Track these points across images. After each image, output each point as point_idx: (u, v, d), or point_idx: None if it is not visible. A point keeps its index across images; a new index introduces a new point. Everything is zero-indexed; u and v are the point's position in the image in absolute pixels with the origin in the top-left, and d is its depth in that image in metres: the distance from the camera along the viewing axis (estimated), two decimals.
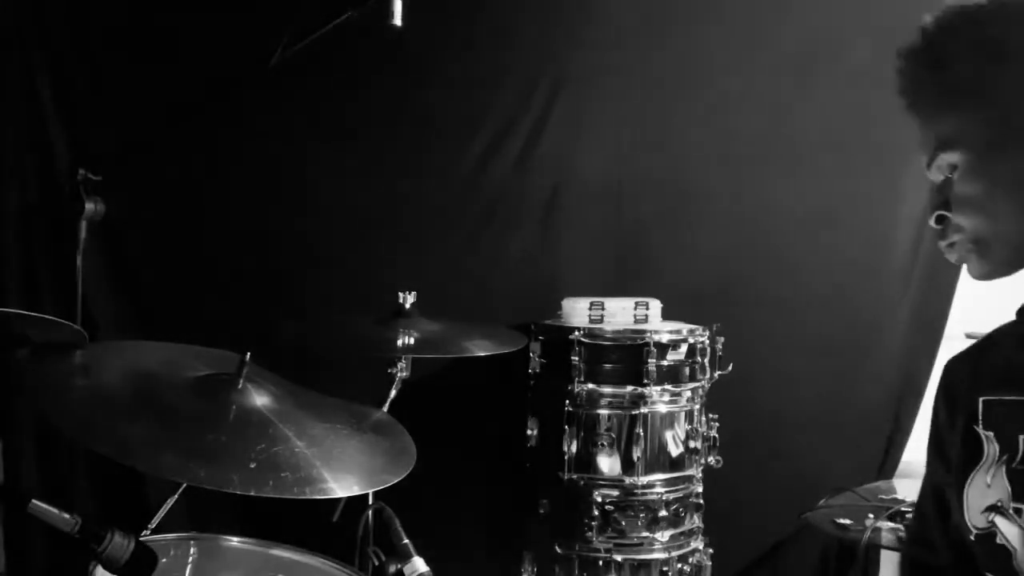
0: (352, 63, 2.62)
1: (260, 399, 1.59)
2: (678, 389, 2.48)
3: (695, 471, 2.51)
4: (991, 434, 1.08)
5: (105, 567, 1.19)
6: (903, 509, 2.36)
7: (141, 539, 1.21)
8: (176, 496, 1.78)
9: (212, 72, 2.56)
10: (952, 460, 1.14)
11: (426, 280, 2.46)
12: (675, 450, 2.48)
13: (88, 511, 1.77)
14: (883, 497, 2.57)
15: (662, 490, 2.43)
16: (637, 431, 2.41)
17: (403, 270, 2.70)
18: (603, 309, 2.55)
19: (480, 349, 2.21)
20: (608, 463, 2.43)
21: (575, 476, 2.42)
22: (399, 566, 1.68)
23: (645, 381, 2.41)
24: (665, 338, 2.45)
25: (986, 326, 1.18)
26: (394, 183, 2.74)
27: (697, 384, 2.53)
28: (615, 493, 2.41)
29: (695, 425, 2.50)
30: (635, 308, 2.58)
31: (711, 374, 2.56)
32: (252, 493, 1.36)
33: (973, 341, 1.20)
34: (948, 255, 1.13)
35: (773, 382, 2.89)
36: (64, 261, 2.36)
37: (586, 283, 2.75)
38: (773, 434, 2.91)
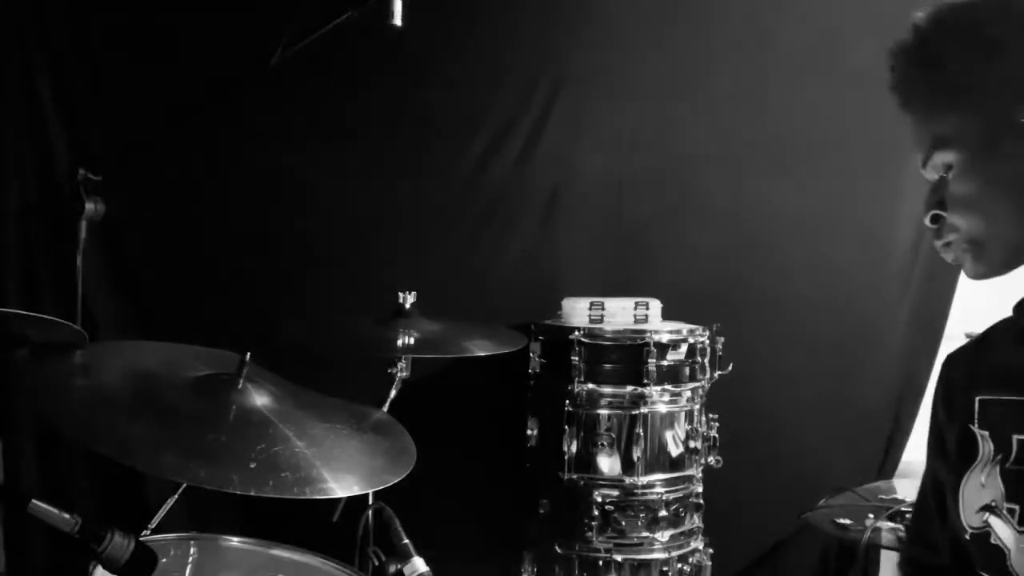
0: (352, 63, 2.62)
1: (260, 399, 1.58)
2: (678, 389, 2.48)
3: (695, 471, 2.51)
4: (986, 433, 1.08)
5: (105, 567, 1.19)
6: (903, 509, 2.36)
7: (141, 539, 1.21)
8: (176, 496, 1.78)
9: (212, 72, 2.56)
10: (951, 457, 1.14)
11: (426, 280, 2.46)
12: (675, 450, 2.48)
13: (88, 511, 1.77)
14: (883, 497, 2.57)
15: (662, 490, 2.43)
16: (637, 431, 2.41)
17: (403, 270, 2.70)
18: (603, 309, 2.55)
19: (480, 349, 2.21)
20: (608, 463, 2.43)
21: (575, 476, 2.42)
22: (399, 566, 1.68)
23: (645, 381, 2.41)
24: (665, 338, 2.45)
25: (986, 326, 1.18)
26: (394, 183, 2.74)
27: (697, 384, 2.53)
28: (615, 493, 2.41)
29: (695, 425, 2.50)
30: (635, 308, 2.58)
31: (711, 374, 2.56)
32: (252, 493, 1.36)
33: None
34: (944, 255, 1.13)
35: (773, 382, 2.89)
36: (64, 261, 2.36)
37: (586, 283, 2.75)
38: (773, 434, 2.91)
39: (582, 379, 2.43)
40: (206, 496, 1.58)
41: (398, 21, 1.92)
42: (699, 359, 2.53)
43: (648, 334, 2.43)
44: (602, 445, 2.43)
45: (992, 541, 1.04)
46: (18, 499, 1.17)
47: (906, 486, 2.74)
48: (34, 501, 1.15)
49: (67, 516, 1.16)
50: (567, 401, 2.43)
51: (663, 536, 2.42)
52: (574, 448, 2.43)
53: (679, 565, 2.47)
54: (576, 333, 2.43)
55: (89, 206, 2.27)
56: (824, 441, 2.94)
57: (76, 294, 2.30)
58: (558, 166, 2.84)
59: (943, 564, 1.19)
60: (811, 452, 2.92)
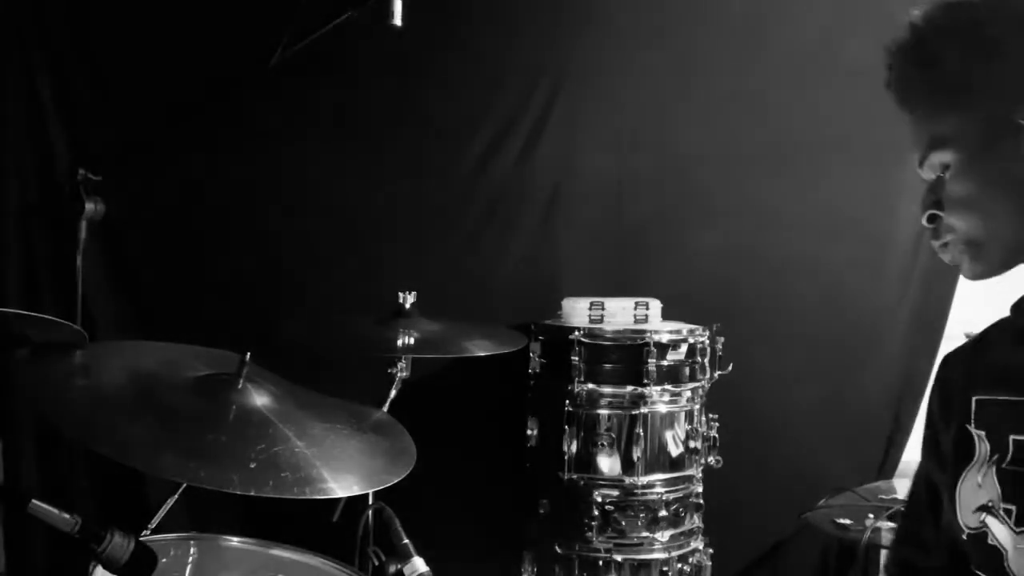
0: (352, 63, 2.62)
1: (260, 399, 1.59)
2: (678, 389, 2.48)
3: (695, 471, 2.51)
4: (983, 433, 1.07)
5: (105, 567, 1.19)
6: (902, 509, 2.36)
7: (141, 539, 1.21)
8: (176, 496, 1.78)
9: (212, 72, 2.56)
10: (946, 457, 1.14)
11: (426, 280, 2.46)
12: (675, 450, 2.48)
13: (88, 511, 1.78)
14: (883, 497, 2.58)
15: (662, 490, 2.43)
16: (637, 431, 2.41)
17: (403, 270, 2.70)
18: (603, 309, 2.55)
19: (480, 349, 2.21)
20: (608, 463, 2.43)
21: (575, 476, 2.42)
22: (399, 566, 1.68)
23: (645, 381, 2.41)
24: (665, 338, 2.45)
25: (985, 326, 1.18)
26: (394, 183, 2.74)
27: (697, 384, 2.52)
28: (615, 493, 2.41)
29: (695, 425, 2.50)
30: (635, 308, 2.58)
31: (711, 374, 2.56)
32: (252, 493, 1.36)
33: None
34: (942, 255, 1.12)
35: (773, 382, 2.89)
36: (64, 261, 2.37)
37: (586, 283, 2.75)
38: (773, 434, 2.91)
39: (582, 379, 2.43)
40: (206, 496, 1.58)
41: (398, 21, 1.93)
42: (699, 359, 2.53)
43: (648, 334, 2.43)
44: (602, 445, 2.43)
45: (989, 541, 1.04)
46: (18, 499, 1.17)
47: (906, 486, 2.72)
48: (34, 501, 1.15)
49: (67, 516, 1.16)
50: (567, 401, 2.43)
51: (663, 536, 2.42)
52: (574, 448, 2.43)
53: (679, 565, 2.47)
54: (576, 333, 2.43)
55: (89, 206, 2.28)
56: (824, 441, 2.94)
57: (76, 294, 2.31)
58: (558, 166, 2.84)
59: (934, 566, 1.18)
60: (811, 452, 2.92)
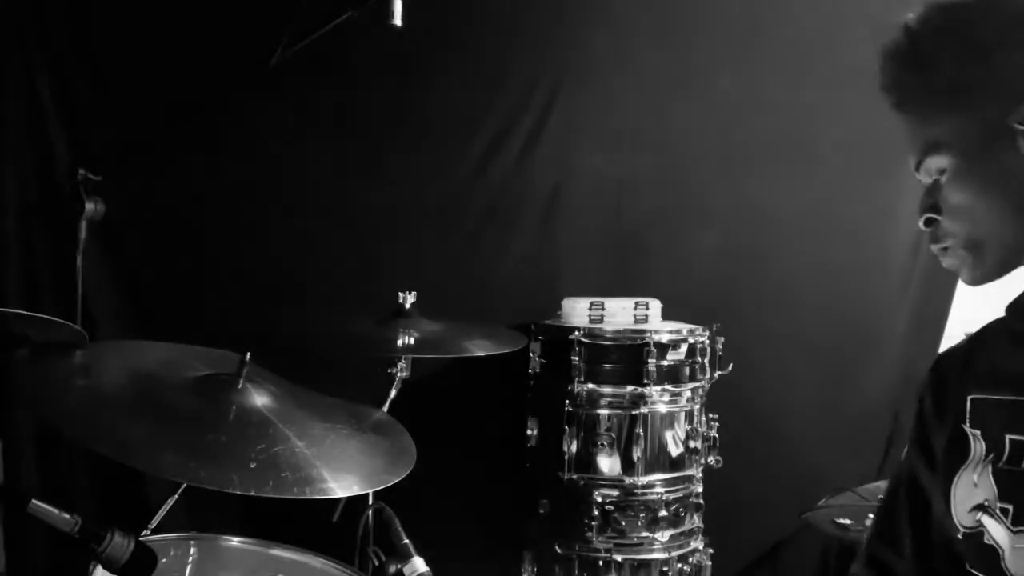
0: (352, 63, 2.62)
1: (260, 399, 1.59)
2: (678, 389, 2.48)
3: (695, 471, 2.51)
4: (978, 432, 1.07)
5: (105, 567, 1.19)
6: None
7: (141, 539, 1.21)
8: (176, 496, 1.78)
9: (212, 72, 2.56)
10: (936, 456, 1.14)
11: (426, 280, 2.46)
12: (675, 450, 2.48)
13: (88, 511, 1.77)
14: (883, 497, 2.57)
15: (662, 490, 2.44)
16: (637, 431, 2.41)
17: (403, 270, 2.70)
18: (603, 309, 2.55)
19: (480, 349, 2.21)
20: (608, 463, 2.43)
21: (575, 476, 2.42)
22: (399, 566, 1.68)
23: (645, 381, 2.41)
24: (665, 338, 2.45)
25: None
26: (394, 183, 2.74)
27: (697, 384, 2.53)
28: (615, 493, 2.41)
29: (695, 425, 2.50)
30: (635, 308, 2.58)
31: (711, 374, 2.56)
32: (252, 493, 1.36)
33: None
34: (942, 260, 1.12)
35: (773, 382, 2.89)
36: (64, 261, 2.36)
37: (586, 283, 2.75)
38: (773, 434, 2.91)
39: (582, 379, 2.43)
40: (206, 496, 1.58)
41: (398, 21, 1.92)
42: (699, 359, 2.53)
43: (648, 334, 2.43)
44: (602, 445, 2.43)
45: (986, 540, 1.04)
46: (18, 499, 1.17)
47: None
48: (34, 501, 1.15)
49: (67, 516, 1.15)
50: (567, 401, 2.43)
51: (663, 536, 2.43)
52: (574, 448, 2.43)
53: (679, 565, 2.47)
54: (576, 333, 2.43)
55: (89, 206, 2.27)
56: (824, 441, 2.94)
57: (76, 294, 2.30)
58: (558, 166, 2.84)
59: (906, 570, 1.17)
60: (811, 452, 2.92)
